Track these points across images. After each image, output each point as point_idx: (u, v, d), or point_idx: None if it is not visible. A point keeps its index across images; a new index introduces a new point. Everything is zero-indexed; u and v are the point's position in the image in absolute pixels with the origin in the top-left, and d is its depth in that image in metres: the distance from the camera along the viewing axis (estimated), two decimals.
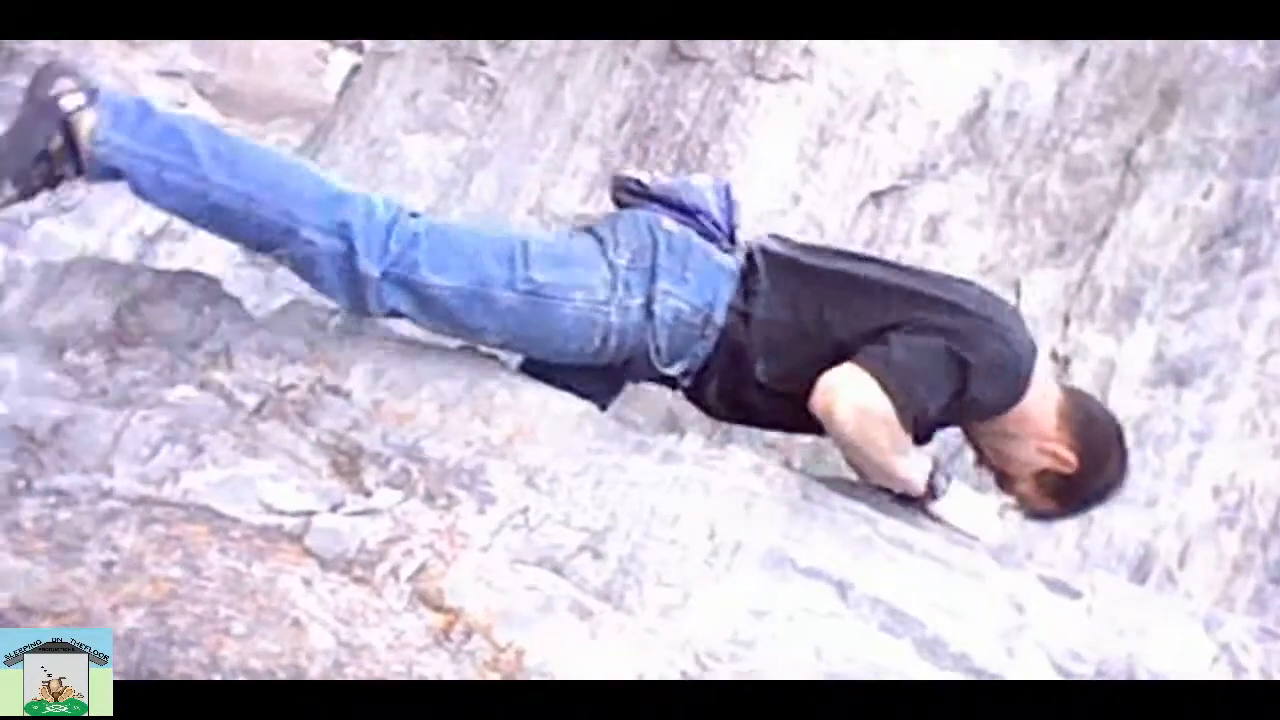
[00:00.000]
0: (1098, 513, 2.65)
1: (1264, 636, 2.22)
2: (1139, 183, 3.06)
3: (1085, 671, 2.06)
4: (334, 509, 2.13)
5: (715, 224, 2.45)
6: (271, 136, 3.61)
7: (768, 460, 2.41)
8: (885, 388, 2.24)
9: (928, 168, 3.11)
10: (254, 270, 3.11)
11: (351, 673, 1.71)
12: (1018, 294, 3.01)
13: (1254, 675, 2.13)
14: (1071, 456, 2.45)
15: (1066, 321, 3.08)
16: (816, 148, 3.14)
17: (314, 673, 1.69)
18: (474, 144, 3.26)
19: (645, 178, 2.49)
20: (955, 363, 2.30)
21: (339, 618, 1.88)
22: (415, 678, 1.77)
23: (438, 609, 1.96)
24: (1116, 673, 2.06)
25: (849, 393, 2.25)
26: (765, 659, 1.95)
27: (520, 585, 2.03)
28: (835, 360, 2.31)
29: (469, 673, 1.84)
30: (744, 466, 2.37)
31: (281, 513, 2.10)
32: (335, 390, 2.40)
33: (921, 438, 2.42)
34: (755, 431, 2.79)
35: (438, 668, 1.82)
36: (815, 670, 1.95)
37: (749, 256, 2.45)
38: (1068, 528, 2.71)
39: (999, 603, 2.16)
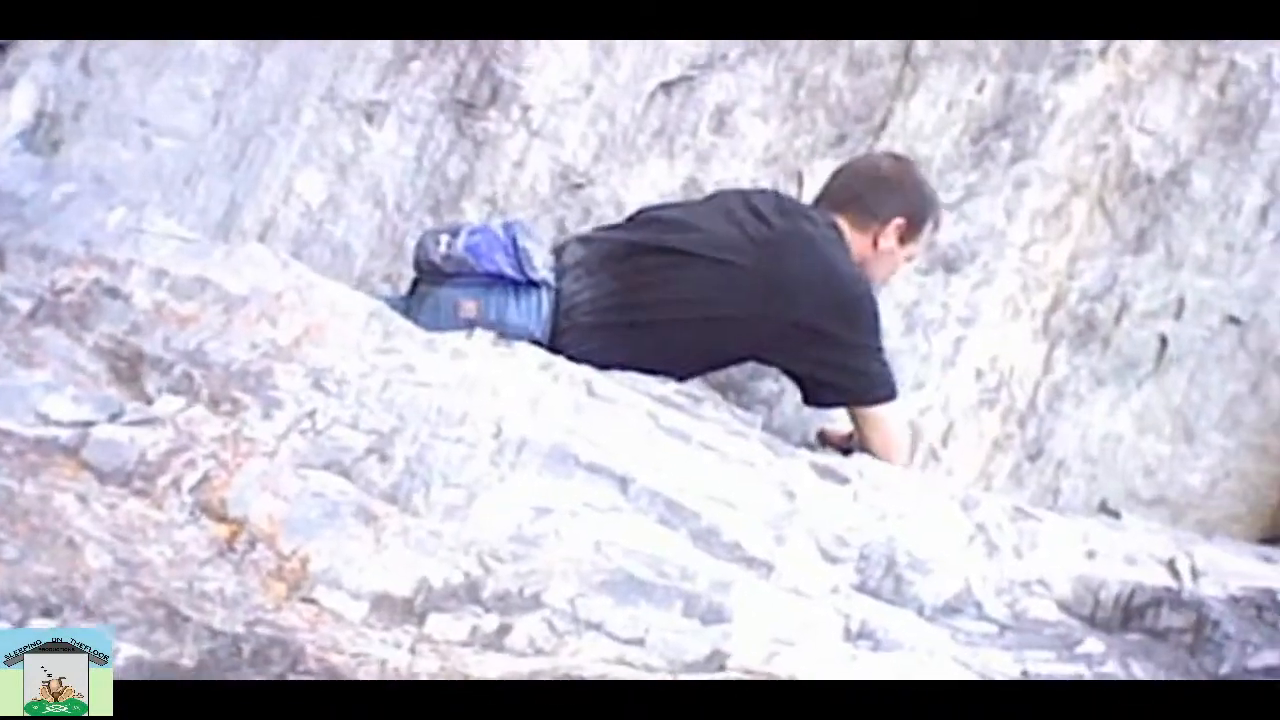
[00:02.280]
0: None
1: (1017, 516, 2.39)
2: (917, 76, 3.14)
3: (849, 555, 2.18)
4: (113, 419, 2.11)
5: (512, 279, 2.62)
6: None
7: (555, 357, 2.47)
8: None
9: (716, 58, 3.13)
10: (30, 157, 2.97)
11: (128, 593, 1.72)
12: (800, 184, 3.08)
13: (1007, 554, 2.28)
14: (899, 226, 2.77)
15: None
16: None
17: (89, 595, 1.69)
18: None
19: (438, 256, 2.64)
20: None
21: (116, 535, 1.87)
22: (197, 593, 1.79)
23: (221, 519, 1.97)
24: (878, 556, 2.19)
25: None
26: (547, 557, 2.02)
27: (306, 491, 2.05)
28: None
29: (253, 583, 1.87)
30: (531, 364, 2.42)
31: (57, 424, 2.07)
32: (114, 292, 2.35)
33: None
34: None
35: (220, 581, 1.84)
36: (594, 564, 2.02)
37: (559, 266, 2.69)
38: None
39: (771, 491, 2.27)
